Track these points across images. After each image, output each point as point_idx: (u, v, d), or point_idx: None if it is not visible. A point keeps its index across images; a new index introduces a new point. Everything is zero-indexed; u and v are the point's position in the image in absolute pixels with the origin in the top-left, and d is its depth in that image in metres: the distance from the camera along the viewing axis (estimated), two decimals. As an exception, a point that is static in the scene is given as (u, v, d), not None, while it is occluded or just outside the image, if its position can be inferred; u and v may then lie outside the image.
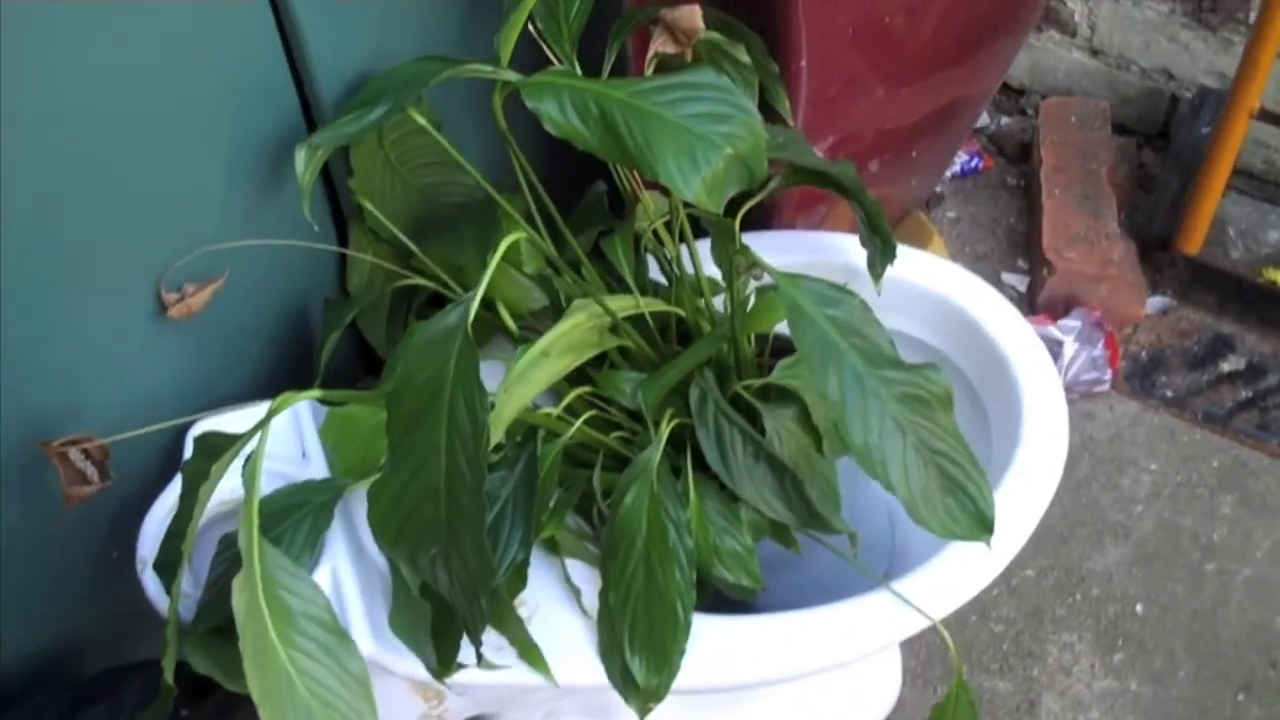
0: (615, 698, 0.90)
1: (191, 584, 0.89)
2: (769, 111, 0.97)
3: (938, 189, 1.90)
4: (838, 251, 1.11)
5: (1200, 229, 1.65)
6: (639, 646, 0.87)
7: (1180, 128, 1.72)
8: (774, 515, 0.92)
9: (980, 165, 1.94)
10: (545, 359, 0.86)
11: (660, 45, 0.93)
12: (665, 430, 0.89)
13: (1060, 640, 1.43)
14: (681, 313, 0.97)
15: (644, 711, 0.88)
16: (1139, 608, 1.46)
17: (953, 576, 0.93)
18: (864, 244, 1.00)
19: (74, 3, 0.72)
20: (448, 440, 0.69)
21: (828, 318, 0.80)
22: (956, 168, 1.92)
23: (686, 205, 0.92)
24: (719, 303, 1.01)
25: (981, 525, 0.80)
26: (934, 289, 1.11)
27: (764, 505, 0.92)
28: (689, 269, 0.98)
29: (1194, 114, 1.64)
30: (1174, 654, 1.41)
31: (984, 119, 2.00)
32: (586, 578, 0.92)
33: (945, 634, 0.87)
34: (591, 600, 0.90)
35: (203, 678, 0.82)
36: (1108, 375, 1.64)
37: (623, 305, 0.93)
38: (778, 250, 1.08)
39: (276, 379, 1.05)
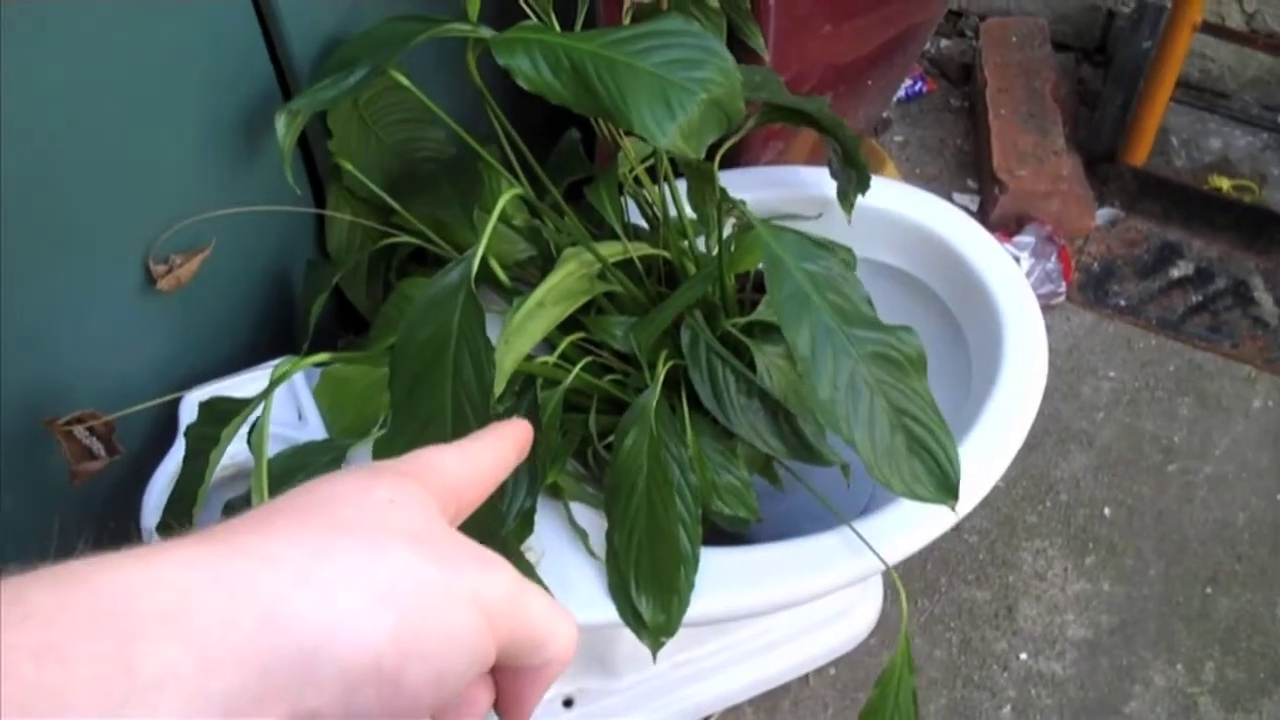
0: (612, 633, 0.92)
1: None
2: (741, 48, 0.98)
3: (884, 114, 1.92)
4: (808, 185, 1.13)
5: (1145, 141, 1.68)
6: (644, 585, 0.89)
7: (1120, 42, 1.75)
8: (768, 450, 0.94)
9: (924, 88, 1.96)
10: (540, 309, 0.87)
11: (633, -6, 0.93)
12: (661, 373, 0.90)
13: (1033, 547, 1.48)
14: (668, 255, 0.98)
15: (656, 647, 0.90)
16: (1107, 511, 1.50)
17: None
18: (835, 176, 1.02)
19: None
20: (453, 397, 0.69)
21: (805, 272, 0.80)
22: (901, 92, 1.94)
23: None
24: (700, 243, 1.02)
25: (946, 489, 0.80)
26: (905, 214, 1.13)
27: (758, 440, 0.94)
28: (671, 211, 0.99)
29: (1134, 28, 1.66)
30: (1143, 554, 1.47)
31: (925, 42, 2.02)
32: (591, 520, 0.93)
33: (898, 581, 0.90)
34: (598, 542, 0.92)
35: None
36: (1062, 287, 1.68)
37: (612, 251, 0.93)
38: (751, 187, 1.09)
39: (261, 342, 1.05)
